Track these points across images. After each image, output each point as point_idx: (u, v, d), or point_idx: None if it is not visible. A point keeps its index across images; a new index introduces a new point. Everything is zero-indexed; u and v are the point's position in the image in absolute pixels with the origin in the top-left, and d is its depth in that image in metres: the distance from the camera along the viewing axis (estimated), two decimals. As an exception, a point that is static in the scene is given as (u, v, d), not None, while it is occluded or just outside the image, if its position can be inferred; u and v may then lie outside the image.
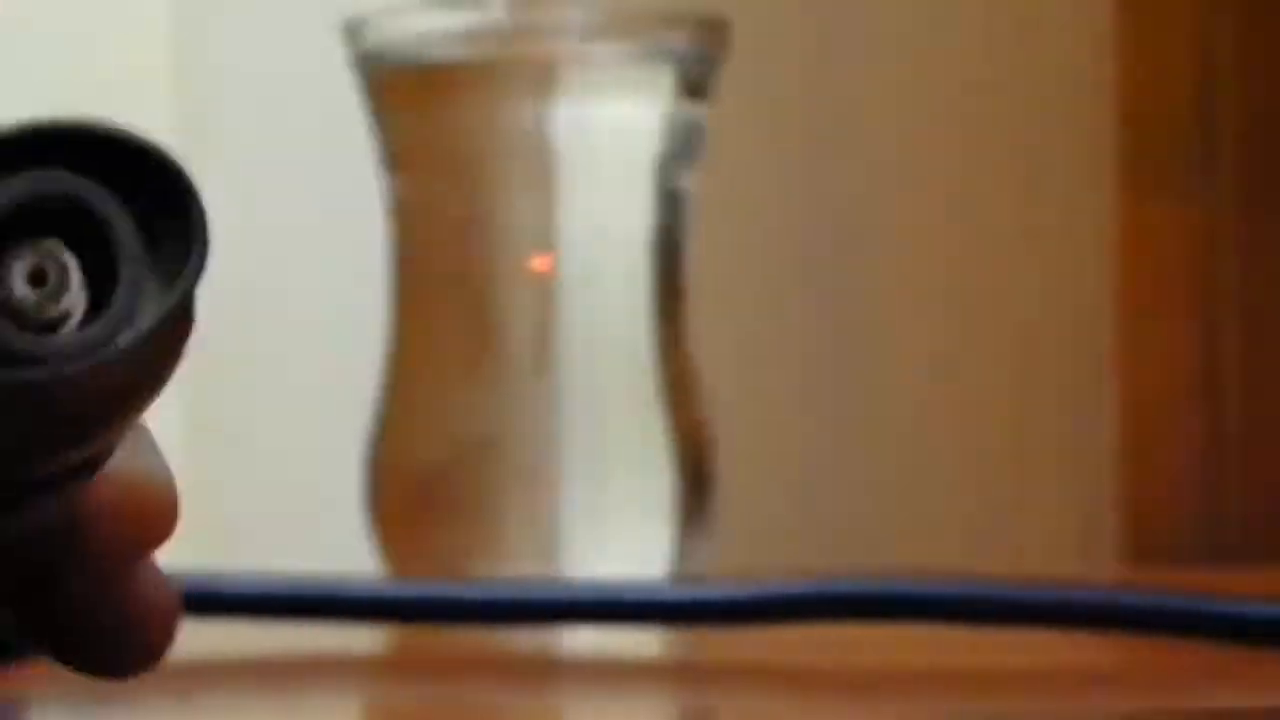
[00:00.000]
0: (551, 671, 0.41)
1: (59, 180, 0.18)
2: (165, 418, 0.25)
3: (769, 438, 0.67)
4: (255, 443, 0.56)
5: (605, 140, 0.44)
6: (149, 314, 0.19)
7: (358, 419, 0.44)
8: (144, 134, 0.19)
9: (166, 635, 0.23)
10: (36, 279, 0.19)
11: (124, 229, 0.19)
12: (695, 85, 0.44)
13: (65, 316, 0.19)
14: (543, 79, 0.44)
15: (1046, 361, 0.74)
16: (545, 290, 0.42)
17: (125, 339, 0.18)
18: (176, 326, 0.19)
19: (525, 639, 0.40)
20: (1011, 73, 0.81)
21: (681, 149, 0.44)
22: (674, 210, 0.44)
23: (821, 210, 0.81)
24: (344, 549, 0.43)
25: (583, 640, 0.40)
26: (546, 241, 0.43)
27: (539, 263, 0.43)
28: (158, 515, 0.22)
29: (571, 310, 0.44)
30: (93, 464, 0.20)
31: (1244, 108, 0.74)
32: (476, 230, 0.44)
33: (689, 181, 0.44)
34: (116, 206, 0.19)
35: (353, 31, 0.44)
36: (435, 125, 0.45)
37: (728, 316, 0.60)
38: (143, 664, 0.24)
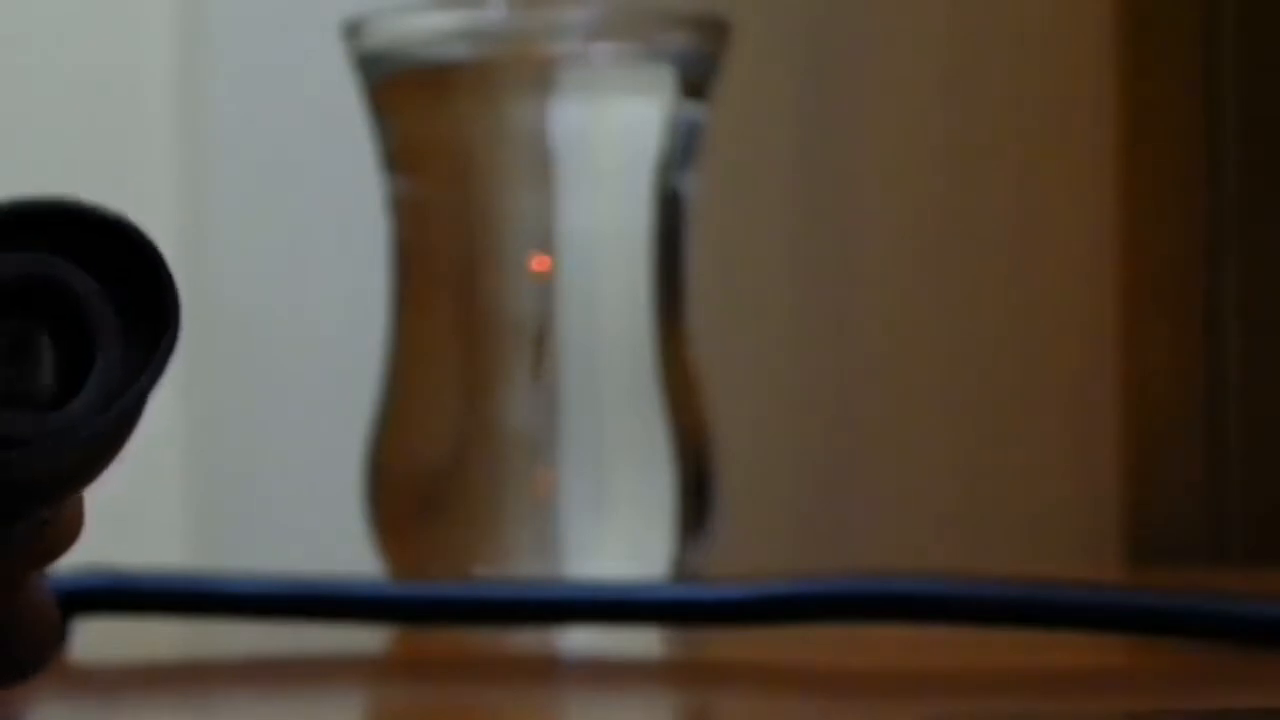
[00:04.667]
0: (551, 672, 0.40)
1: (42, 263, 0.19)
2: (165, 417, 0.25)
3: (769, 438, 0.67)
4: (255, 443, 0.57)
5: (605, 140, 0.44)
6: (121, 394, 0.19)
7: (358, 419, 0.44)
8: (119, 214, 0.19)
9: (58, 639, 0.24)
10: (13, 357, 0.19)
11: (103, 313, 0.19)
12: (696, 85, 0.44)
13: (36, 392, 0.19)
14: (543, 79, 0.43)
15: (1049, 362, 0.74)
16: (545, 290, 0.42)
17: (100, 422, 0.19)
18: (144, 400, 0.19)
19: (524, 639, 0.40)
20: (1011, 75, 0.80)
21: (682, 149, 0.44)
22: (674, 211, 0.43)
23: (821, 210, 0.81)
24: (344, 549, 0.43)
25: (582, 640, 0.40)
26: (546, 241, 0.43)
27: (538, 263, 0.43)
28: (76, 531, 0.22)
29: (571, 310, 0.44)
30: (48, 519, 0.20)
31: (1247, 107, 0.75)
32: (476, 230, 0.44)
33: (689, 182, 0.44)
34: (96, 291, 0.19)
35: (352, 31, 0.44)
36: (435, 125, 0.44)
37: (728, 316, 0.60)
38: (37, 669, 0.24)
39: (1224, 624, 0.37)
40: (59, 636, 0.25)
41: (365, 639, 0.41)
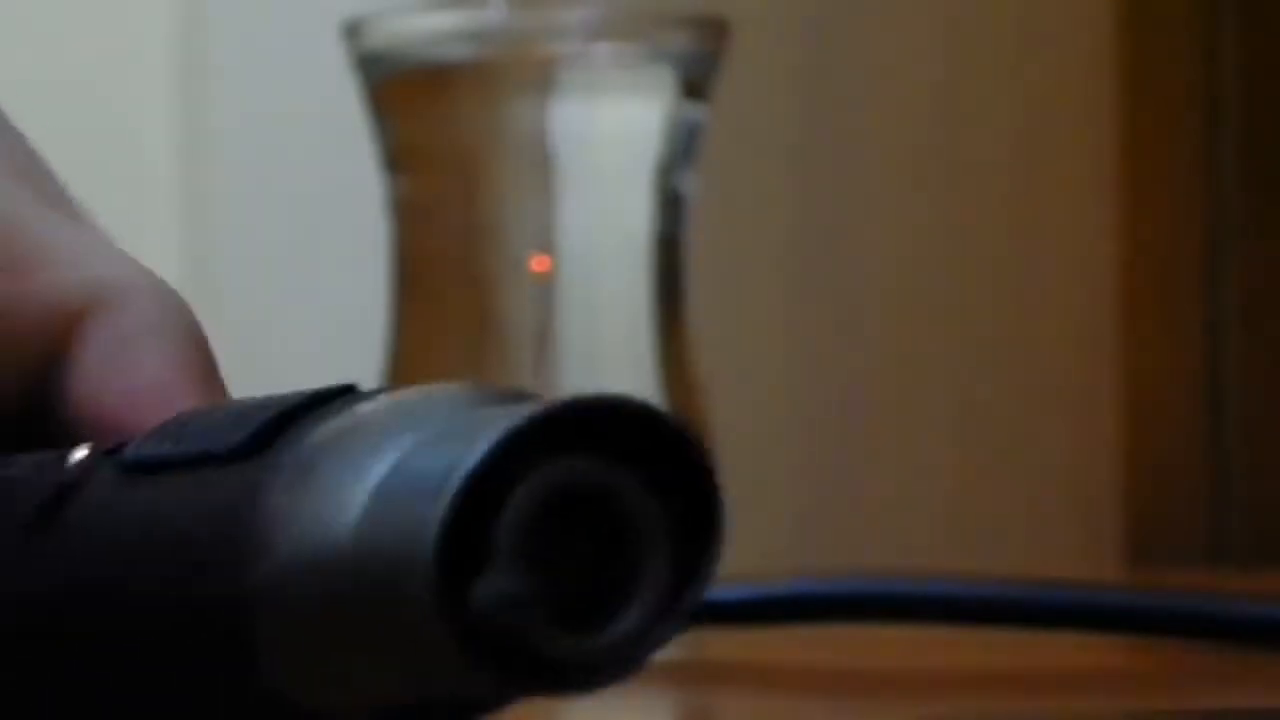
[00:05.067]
0: None
1: (597, 471, 0.18)
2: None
3: (769, 438, 0.68)
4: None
5: (605, 141, 0.44)
6: (669, 610, 0.18)
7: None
8: (669, 415, 0.19)
9: None
10: (563, 568, 0.18)
11: (653, 523, 0.18)
12: (696, 86, 0.44)
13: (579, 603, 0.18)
14: (543, 79, 0.43)
15: (1049, 364, 0.75)
16: (545, 290, 0.42)
17: (653, 640, 0.18)
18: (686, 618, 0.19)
19: None
20: (1011, 73, 0.80)
21: (682, 150, 0.44)
22: (674, 211, 0.43)
23: (820, 211, 0.82)
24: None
25: None
26: (546, 242, 0.43)
27: (538, 263, 0.43)
28: None
29: (571, 310, 0.44)
30: None
31: (1247, 107, 0.75)
32: (477, 230, 0.44)
33: (689, 182, 0.44)
34: (649, 502, 0.18)
35: (353, 32, 0.43)
36: (435, 126, 0.44)
37: (727, 316, 0.60)
38: None
39: (1227, 626, 0.39)
40: None
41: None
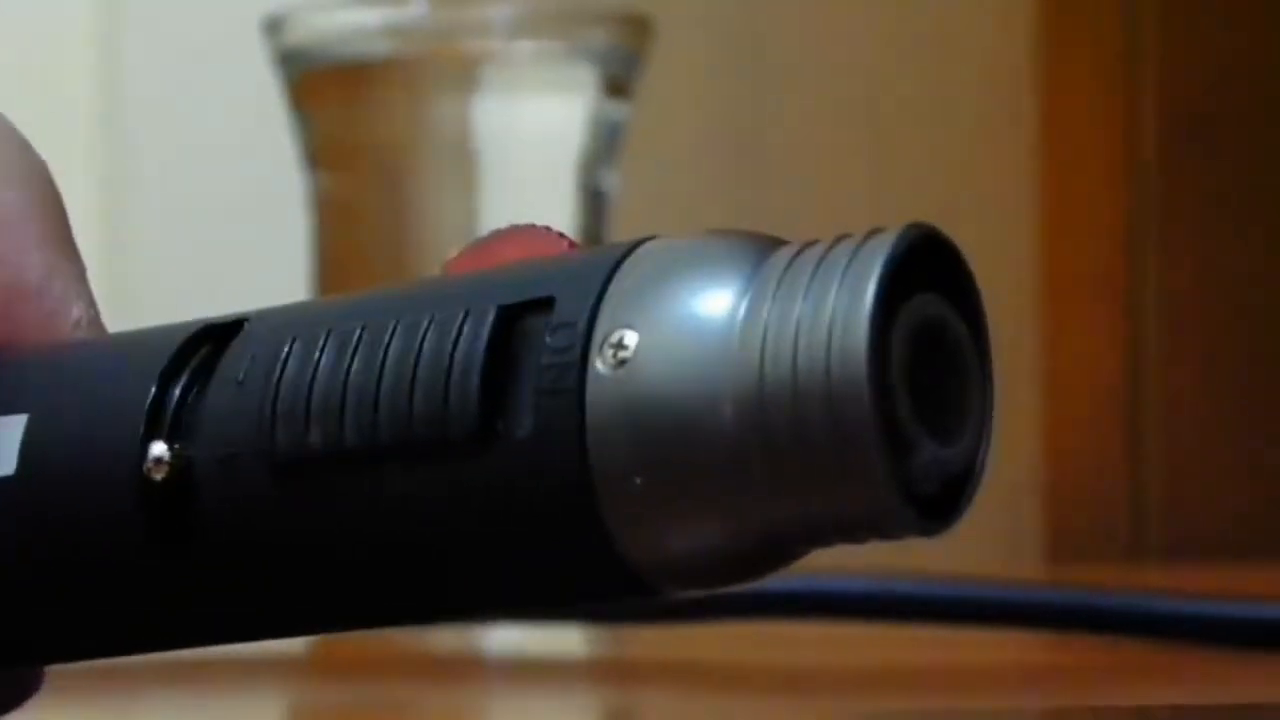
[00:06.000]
0: (475, 670, 0.40)
1: (936, 305, 0.18)
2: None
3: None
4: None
5: (528, 138, 0.44)
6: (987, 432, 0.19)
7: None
8: (956, 244, 0.19)
9: None
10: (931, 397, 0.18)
11: (973, 354, 0.18)
12: (618, 84, 0.44)
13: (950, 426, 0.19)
14: (465, 76, 0.44)
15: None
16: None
17: (983, 457, 0.19)
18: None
19: (445, 638, 0.40)
20: (933, 76, 0.82)
21: (604, 148, 0.45)
22: (597, 208, 0.44)
23: (742, 208, 0.82)
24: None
25: (504, 638, 0.40)
26: (469, 239, 0.42)
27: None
28: None
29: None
30: None
31: (1165, 109, 0.75)
32: (399, 228, 0.44)
33: (611, 180, 0.44)
34: (966, 335, 0.18)
35: (273, 28, 0.44)
36: (356, 123, 0.45)
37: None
38: None
39: (1142, 621, 0.38)
40: None
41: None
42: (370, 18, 0.44)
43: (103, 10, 0.81)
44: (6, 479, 0.22)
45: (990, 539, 0.70)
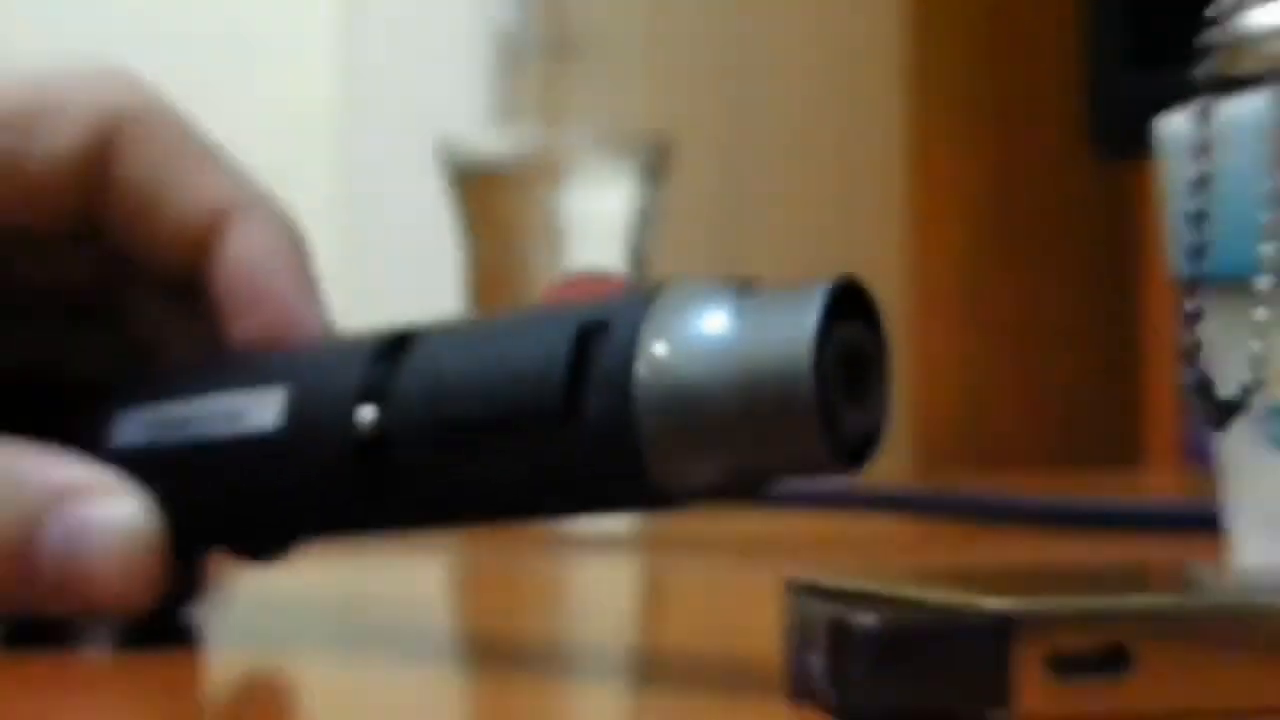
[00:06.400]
0: (553, 543, 0.44)
1: (858, 331, 0.21)
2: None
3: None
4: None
5: (593, 216, 0.50)
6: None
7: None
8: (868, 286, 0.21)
9: None
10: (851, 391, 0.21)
11: (877, 360, 0.22)
12: (651, 178, 0.50)
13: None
14: (556, 178, 0.49)
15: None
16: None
17: (883, 431, 0.22)
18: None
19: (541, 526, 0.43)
20: (805, 78, 0.89)
21: (641, 222, 0.50)
22: (637, 260, 0.50)
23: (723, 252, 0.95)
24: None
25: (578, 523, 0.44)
26: (557, 281, 0.49)
27: (548, 293, 0.48)
28: None
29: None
30: None
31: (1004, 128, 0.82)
32: (515, 271, 0.50)
33: (646, 241, 0.51)
34: (874, 348, 0.22)
35: (441, 147, 0.51)
36: (491, 207, 0.50)
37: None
38: None
39: (967, 508, 0.47)
40: None
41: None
42: (500, 140, 0.54)
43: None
44: (275, 429, 0.26)
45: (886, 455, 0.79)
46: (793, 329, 0.21)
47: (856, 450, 0.21)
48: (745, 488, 0.22)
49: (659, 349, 0.21)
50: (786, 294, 0.21)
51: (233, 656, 0.27)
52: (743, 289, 0.22)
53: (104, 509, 0.26)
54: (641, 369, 0.22)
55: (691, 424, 0.21)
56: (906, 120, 0.79)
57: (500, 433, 0.23)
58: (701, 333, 0.21)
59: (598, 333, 0.22)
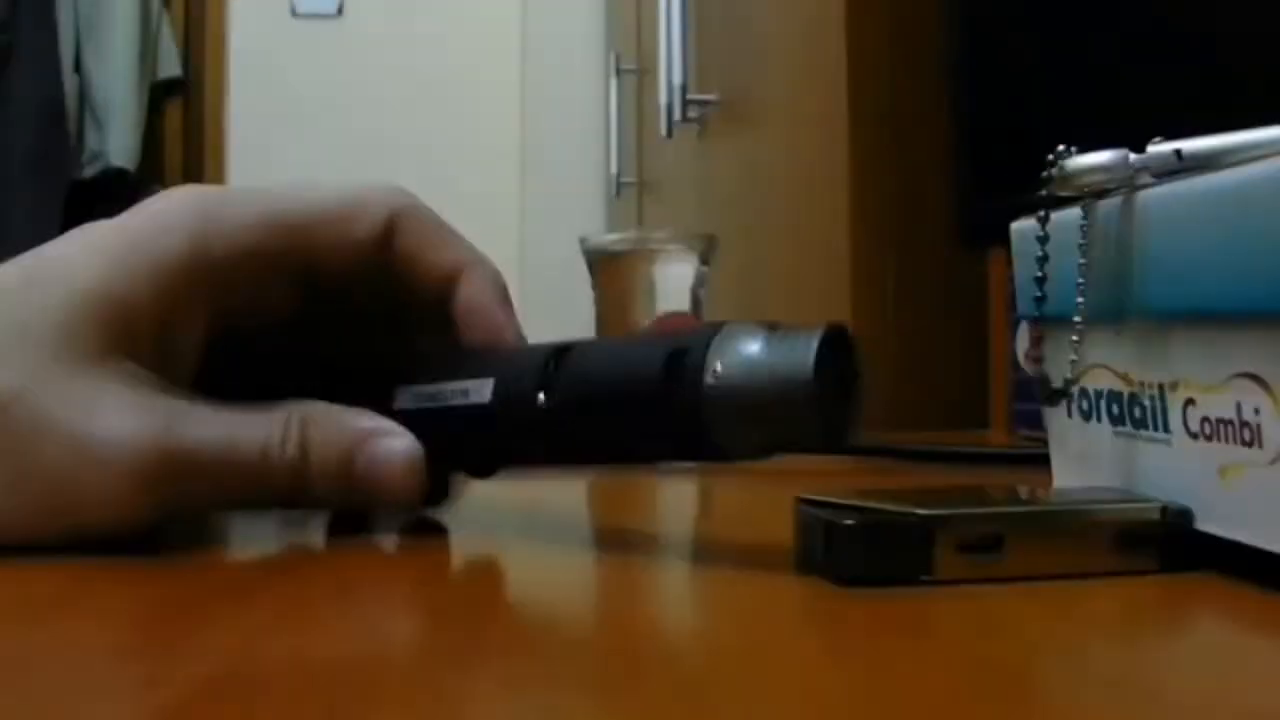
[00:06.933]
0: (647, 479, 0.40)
1: (845, 359, 0.20)
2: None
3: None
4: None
5: (672, 282, 0.48)
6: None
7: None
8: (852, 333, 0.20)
9: None
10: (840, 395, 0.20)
11: (854, 380, 0.20)
12: (704, 260, 0.48)
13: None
14: (650, 259, 0.48)
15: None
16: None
17: (859, 424, 0.20)
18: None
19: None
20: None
21: (700, 282, 0.48)
22: (699, 307, 0.48)
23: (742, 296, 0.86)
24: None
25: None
26: (654, 319, 0.47)
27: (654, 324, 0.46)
28: None
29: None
30: None
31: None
32: (627, 314, 0.48)
33: (704, 293, 0.49)
34: (852, 370, 0.20)
35: (583, 241, 0.50)
36: (613, 277, 0.49)
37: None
38: None
39: (888, 452, 0.44)
40: None
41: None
42: (618, 240, 0.49)
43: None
44: (489, 403, 0.24)
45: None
46: (802, 354, 0.20)
47: (839, 431, 0.21)
48: (769, 452, 0.21)
49: (718, 364, 0.21)
50: (798, 331, 0.20)
51: (464, 540, 0.26)
52: (771, 327, 0.21)
53: (390, 444, 0.25)
54: (708, 376, 0.21)
55: (738, 411, 0.20)
56: (849, 228, 0.75)
57: (622, 409, 0.22)
58: (744, 353, 0.21)
59: (681, 350, 0.21)
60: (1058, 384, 0.24)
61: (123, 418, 0.22)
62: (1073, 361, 0.23)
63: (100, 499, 0.22)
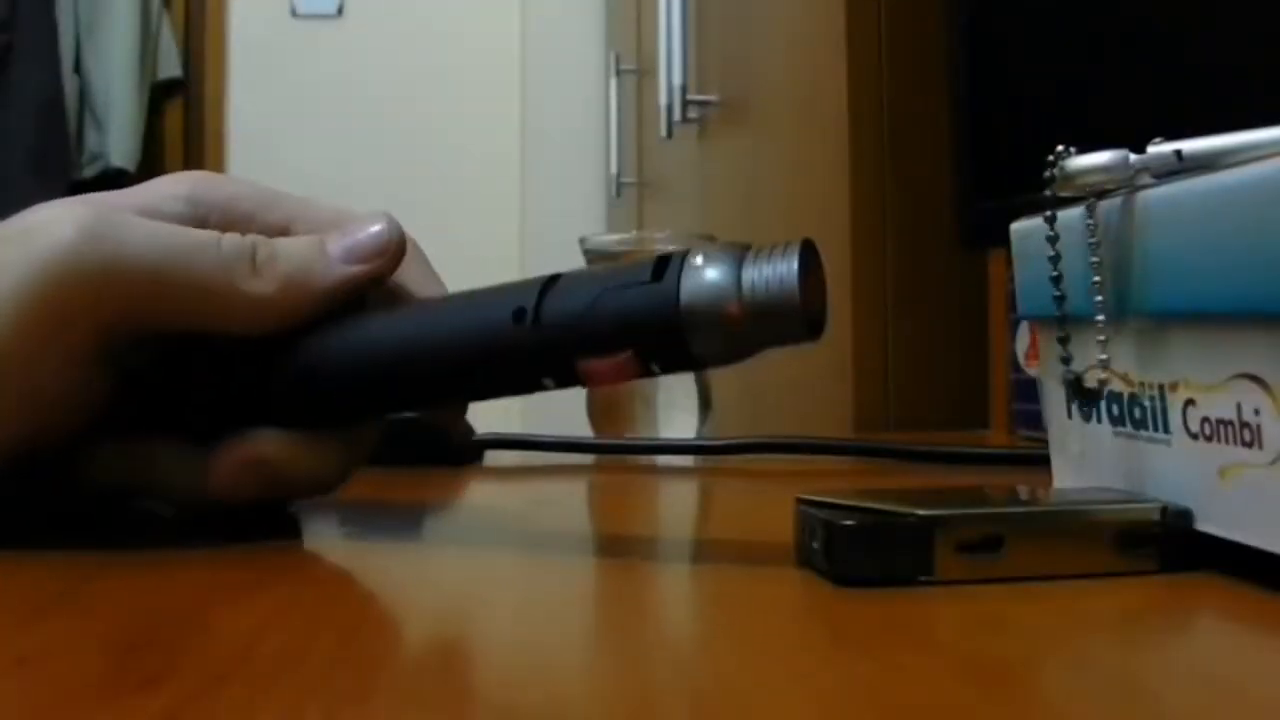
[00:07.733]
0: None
1: (816, 266, 0.21)
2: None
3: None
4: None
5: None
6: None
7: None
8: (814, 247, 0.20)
9: None
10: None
11: (823, 280, 0.21)
12: None
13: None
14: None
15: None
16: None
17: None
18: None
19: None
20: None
21: None
22: None
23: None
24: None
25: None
26: None
27: None
28: None
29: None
30: None
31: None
32: None
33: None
34: (821, 272, 0.21)
35: (582, 241, 0.52)
36: None
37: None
38: None
39: (882, 452, 0.44)
40: None
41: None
42: (612, 240, 0.51)
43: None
44: (511, 327, 0.23)
45: (832, 418, 0.73)
46: (783, 265, 0.20)
47: (816, 325, 0.21)
48: (744, 356, 0.21)
49: (697, 261, 0.21)
50: (778, 246, 0.21)
51: (463, 539, 0.25)
52: (742, 248, 0.21)
53: (363, 220, 0.26)
54: (685, 275, 0.21)
55: (715, 316, 0.21)
56: (849, 228, 0.74)
57: (612, 293, 0.22)
58: (721, 259, 0.21)
59: (665, 259, 0.22)
60: (1091, 385, 0.24)
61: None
62: (1101, 361, 0.23)
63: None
